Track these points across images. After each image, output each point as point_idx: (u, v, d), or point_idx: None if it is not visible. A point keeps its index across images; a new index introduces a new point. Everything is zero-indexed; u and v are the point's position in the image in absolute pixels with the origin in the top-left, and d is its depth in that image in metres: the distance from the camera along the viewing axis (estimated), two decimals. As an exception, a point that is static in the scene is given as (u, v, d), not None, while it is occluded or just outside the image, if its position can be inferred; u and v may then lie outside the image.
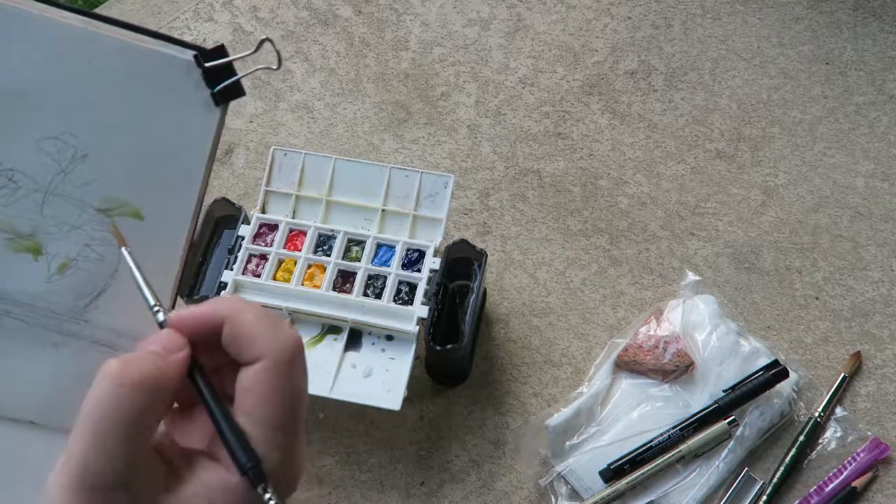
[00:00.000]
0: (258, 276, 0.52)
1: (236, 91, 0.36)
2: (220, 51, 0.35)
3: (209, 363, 0.30)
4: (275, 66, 0.36)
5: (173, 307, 0.40)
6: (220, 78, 0.35)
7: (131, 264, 0.33)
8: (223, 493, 0.27)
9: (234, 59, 0.35)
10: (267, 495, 0.27)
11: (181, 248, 0.38)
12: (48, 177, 0.35)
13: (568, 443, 0.55)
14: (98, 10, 0.79)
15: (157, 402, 0.27)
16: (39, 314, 0.36)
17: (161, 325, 0.30)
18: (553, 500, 0.54)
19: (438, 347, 0.50)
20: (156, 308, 0.31)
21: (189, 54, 0.35)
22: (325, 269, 0.53)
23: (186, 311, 0.30)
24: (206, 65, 0.35)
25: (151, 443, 0.28)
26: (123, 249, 0.34)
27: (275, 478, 0.27)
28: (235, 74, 0.36)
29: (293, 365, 0.28)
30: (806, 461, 0.55)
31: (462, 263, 0.54)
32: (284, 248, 0.53)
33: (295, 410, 0.28)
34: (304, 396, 0.29)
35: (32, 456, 0.34)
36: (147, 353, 0.28)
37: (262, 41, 0.36)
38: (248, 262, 0.53)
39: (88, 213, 0.36)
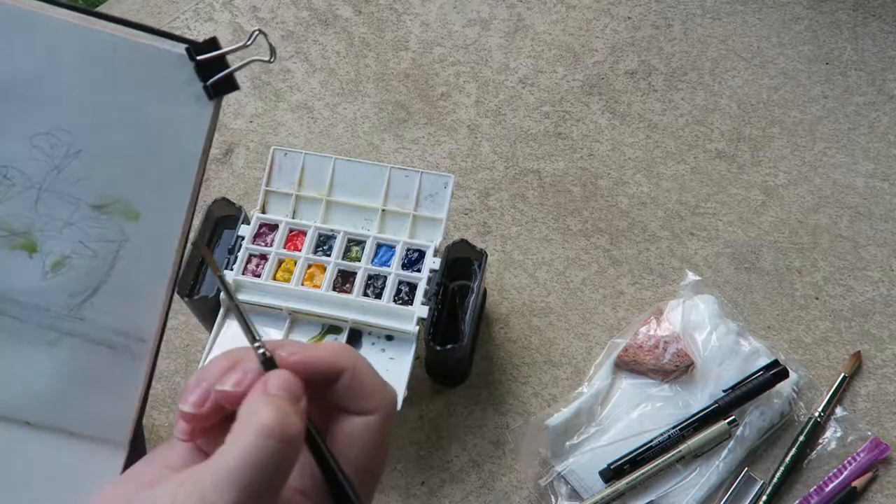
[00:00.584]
0: (258, 276, 0.52)
1: (230, 84, 0.36)
2: (212, 43, 0.35)
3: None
4: (268, 59, 0.36)
5: (170, 301, 0.40)
6: (212, 71, 0.35)
7: (234, 300, 0.33)
8: None
9: (226, 52, 0.35)
10: None
11: (176, 243, 0.37)
12: (42, 173, 0.35)
13: (568, 443, 0.55)
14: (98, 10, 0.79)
15: (296, 455, 0.27)
16: (34, 312, 0.36)
17: (265, 362, 0.29)
18: (553, 500, 0.54)
19: (438, 347, 0.50)
20: (258, 345, 0.29)
21: (181, 48, 0.35)
22: (325, 269, 0.53)
23: (302, 356, 0.29)
24: (199, 58, 0.35)
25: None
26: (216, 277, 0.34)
27: None
28: (228, 67, 0.35)
29: (392, 421, 0.30)
30: (806, 461, 0.55)
31: (462, 263, 0.54)
32: (284, 248, 0.53)
33: (385, 462, 0.30)
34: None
35: (27, 456, 0.34)
36: (292, 405, 0.27)
37: (254, 32, 0.36)
38: (248, 262, 0.53)
39: (83, 210, 0.36)
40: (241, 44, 0.35)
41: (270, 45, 0.36)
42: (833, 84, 0.71)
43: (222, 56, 0.35)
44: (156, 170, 0.37)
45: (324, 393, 0.29)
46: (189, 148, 0.36)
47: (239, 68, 0.36)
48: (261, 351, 0.29)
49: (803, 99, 0.71)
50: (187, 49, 0.35)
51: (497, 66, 0.73)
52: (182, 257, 0.38)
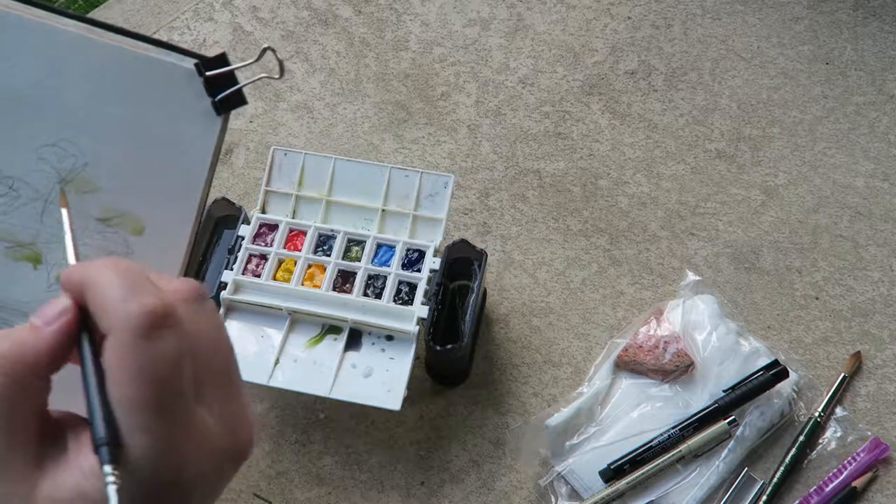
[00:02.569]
0: (258, 276, 0.52)
1: (238, 100, 0.36)
2: (222, 59, 0.34)
3: None
4: (276, 76, 0.36)
5: None
6: (221, 86, 0.35)
7: (66, 227, 0.31)
8: (96, 480, 0.24)
9: (236, 69, 0.35)
10: (111, 478, 0.23)
11: (182, 255, 0.37)
12: (48, 185, 0.35)
13: (568, 443, 0.55)
14: (98, 10, 0.79)
15: (25, 381, 0.25)
16: None
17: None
18: (553, 500, 0.54)
19: (438, 347, 0.50)
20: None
21: (190, 62, 0.34)
22: (325, 269, 0.53)
23: (72, 269, 0.26)
24: (208, 74, 0.34)
25: (33, 419, 0.26)
26: (64, 211, 0.32)
27: (144, 465, 0.24)
28: (237, 83, 0.35)
29: (145, 339, 0.24)
30: (806, 461, 0.55)
31: (462, 263, 0.54)
32: (284, 248, 0.53)
33: (162, 390, 0.24)
34: (179, 373, 0.25)
35: None
36: (19, 327, 0.25)
37: (265, 50, 0.35)
38: (248, 262, 0.53)
39: (88, 223, 0.36)
40: (251, 61, 0.35)
41: (280, 61, 0.36)
42: (833, 84, 0.71)
43: (231, 72, 0.35)
44: (162, 184, 0.36)
45: None
46: (196, 162, 0.36)
47: (248, 84, 0.35)
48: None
49: (803, 99, 0.71)
50: (197, 65, 0.34)
51: (497, 66, 0.73)
52: (186, 268, 0.38)
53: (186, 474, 0.25)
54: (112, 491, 0.23)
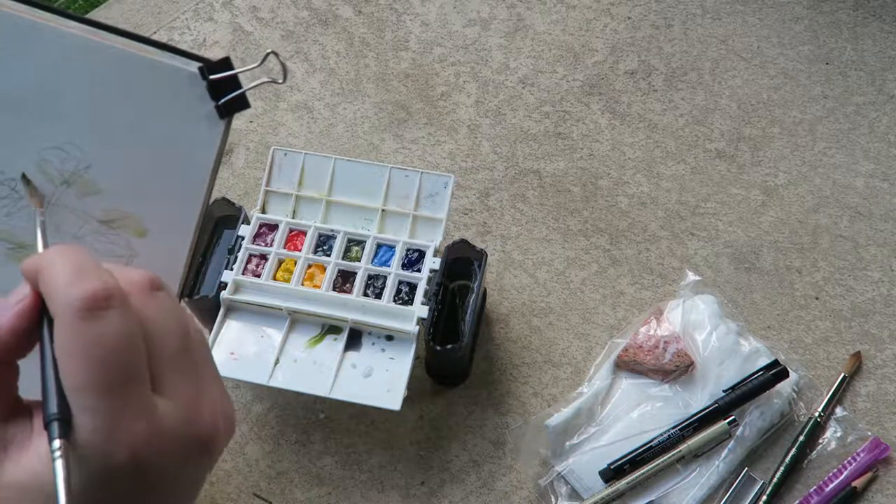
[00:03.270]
0: (258, 276, 0.52)
1: (241, 104, 0.35)
2: (225, 63, 0.34)
3: None
4: (280, 80, 0.36)
5: None
6: (224, 90, 0.35)
7: (38, 229, 0.31)
8: (49, 462, 0.24)
9: (239, 72, 0.35)
10: (57, 453, 0.23)
11: (185, 257, 0.37)
12: (50, 187, 0.35)
13: (568, 443, 0.55)
14: (98, 11, 0.79)
15: None
16: None
17: None
18: (553, 500, 0.54)
19: (438, 347, 0.50)
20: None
21: (193, 66, 0.34)
22: (325, 269, 0.53)
23: (29, 258, 0.27)
24: (211, 77, 0.34)
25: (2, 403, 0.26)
26: (37, 212, 0.32)
27: (93, 446, 0.24)
28: (240, 87, 0.35)
29: (85, 321, 0.24)
30: (806, 461, 0.55)
31: (462, 263, 0.54)
32: (284, 248, 0.53)
33: (106, 371, 0.24)
34: (126, 355, 0.25)
35: None
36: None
37: (268, 54, 0.35)
38: (248, 262, 0.53)
39: (91, 225, 0.36)
40: (254, 65, 0.35)
41: (283, 65, 0.36)
42: (833, 84, 0.71)
43: (235, 76, 0.35)
44: (165, 187, 0.36)
45: None
46: (199, 165, 0.36)
47: (251, 88, 0.35)
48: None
49: (803, 99, 0.71)
50: (200, 68, 0.34)
51: (497, 66, 0.73)
52: (189, 271, 0.38)
53: (140, 458, 0.25)
54: (59, 466, 0.23)
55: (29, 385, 0.27)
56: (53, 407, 0.24)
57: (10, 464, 0.25)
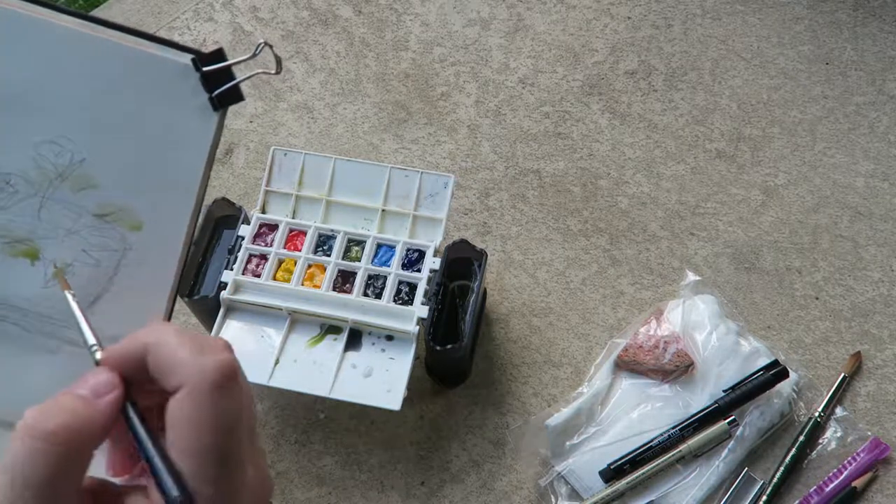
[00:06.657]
0: (258, 276, 0.52)
1: (235, 95, 0.35)
2: (219, 54, 0.34)
3: (153, 400, 0.28)
4: (273, 71, 0.36)
5: (172, 308, 0.40)
6: (218, 82, 0.35)
7: (74, 308, 0.31)
8: None
9: (233, 64, 0.35)
10: None
11: (180, 250, 0.37)
12: (45, 181, 0.35)
13: (568, 443, 0.55)
14: (98, 11, 0.79)
15: (80, 453, 0.25)
16: (36, 319, 0.36)
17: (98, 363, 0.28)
18: (553, 500, 0.54)
19: (438, 347, 0.50)
20: (93, 347, 0.29)
21: (187, 58, 0.34)
22: (325, 269, 0.53)
23: (116, 346, 0.27)
24: (204, 69, 0.34)
25: (76, 493, 0.26)
26: (67, 293, 0.32)
27: None
28: (234, 78, 0.35)
29: (220, 390, 0.25)
30: (806, 461, 0.55)
31: (462, 263, 0.54)
32: (284, 248, 0.53)
33: (229, 440, 0.25)
34: (241, 425, 0.26)
35: None
36: (68, 398, 0.26)
37: (261, 45, 0.35)
38: (248, 262, 0.53)
39: (86, 219, 0.36)
40: (247, 56, 0.35)
41: (277, 56, 0.36)
42: (833, 84, 0.71)
43: (228, 67, 0.35)
44: (160, 180, 0.36)
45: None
46: (194, 158, 0.36)
47: (245, 79, 0.35)
48: (95, 352, 0.28)
49: (803, 99, 0.71)
50: (193, 60, 0.34)
51: (497, 66, 0.73)
52: (185, 265, 0.38)
53: None
54: None
55: None
56: (174, 490, 0.25)
57: None
